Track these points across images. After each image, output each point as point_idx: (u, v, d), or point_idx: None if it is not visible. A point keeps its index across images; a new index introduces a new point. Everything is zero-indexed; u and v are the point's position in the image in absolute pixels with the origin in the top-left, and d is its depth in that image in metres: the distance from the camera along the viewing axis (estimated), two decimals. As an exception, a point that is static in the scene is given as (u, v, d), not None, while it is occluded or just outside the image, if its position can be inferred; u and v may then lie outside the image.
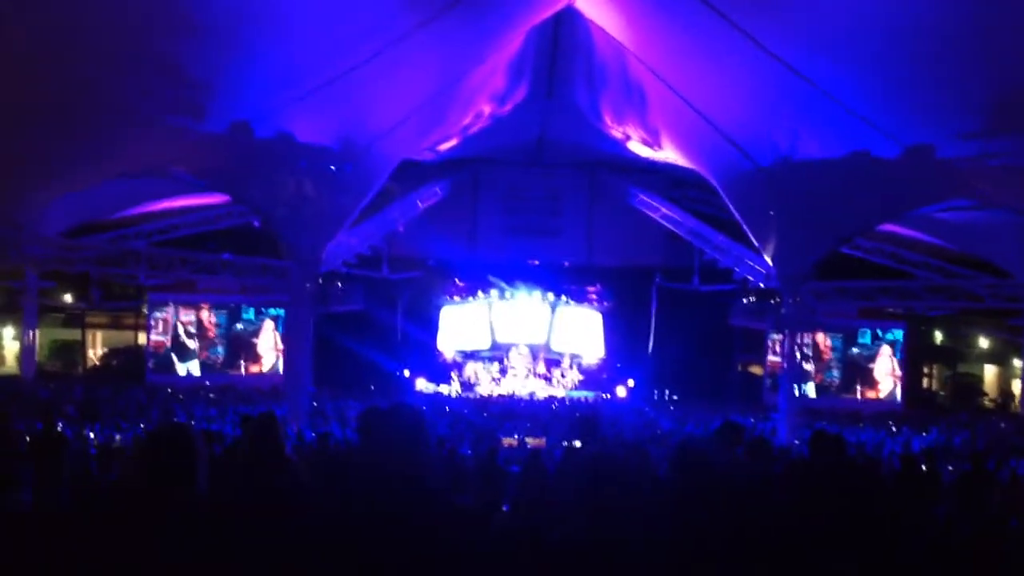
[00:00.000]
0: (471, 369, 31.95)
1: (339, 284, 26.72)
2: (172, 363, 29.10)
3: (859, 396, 31.00)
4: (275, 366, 29.87)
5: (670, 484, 4.90)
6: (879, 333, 30.82)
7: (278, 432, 5.05)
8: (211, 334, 29.66)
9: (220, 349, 29.78)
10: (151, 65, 13.94)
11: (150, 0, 11.85)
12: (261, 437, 4.94)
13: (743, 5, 14.84)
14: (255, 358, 29.99)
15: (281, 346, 29.62)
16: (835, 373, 31.35)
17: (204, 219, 28.17)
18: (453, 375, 31.34)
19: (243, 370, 29.72)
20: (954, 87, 14.43)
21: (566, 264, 33.03)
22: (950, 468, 13.83)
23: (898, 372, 31.04)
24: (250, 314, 29.85)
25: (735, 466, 5.27)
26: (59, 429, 12.49)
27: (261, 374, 29.78)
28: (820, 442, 6.09)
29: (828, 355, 31.34)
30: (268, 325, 29.89)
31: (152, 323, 29.46)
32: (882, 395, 30.93)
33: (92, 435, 15.55)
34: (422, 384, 30.43)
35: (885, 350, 30.87)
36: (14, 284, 26.76)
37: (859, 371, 31.21)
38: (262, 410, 21.27)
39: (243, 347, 30.00)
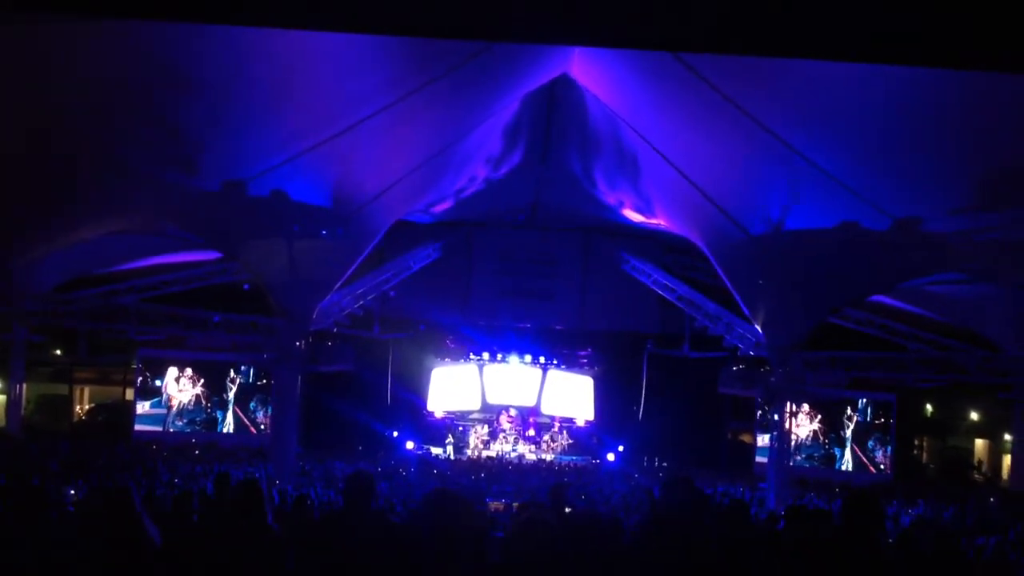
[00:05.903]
0: (460, 431, 31.74)
1: (329, 343, 26.54)
2: (158, 419, 28.73)
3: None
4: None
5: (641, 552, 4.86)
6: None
7: (262, 501, 4.86)
8: (197, 390, 29.32)
9: (205, 405, 29.37)
10: (147, 121, 14.08)
11: (149, 57, 11.96)
12: (243, 506, 4.78)
13: (735, 77, 15.04)
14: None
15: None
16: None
17: (196, 276, 28.09)
18: (449, 436, 31.06)
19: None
20: (943, 162, 14.62)
21: (558, 328, 32.96)
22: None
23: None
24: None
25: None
26: (36, 484, 12.28)
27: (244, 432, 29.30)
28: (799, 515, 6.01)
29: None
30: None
31: (139, 378, 29.19)
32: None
33: (73, 492, 15.32)
34: (411, 445, 30.15)
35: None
36: (3, 336, 26.53)
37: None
38: (247, 469, 21.02)
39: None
